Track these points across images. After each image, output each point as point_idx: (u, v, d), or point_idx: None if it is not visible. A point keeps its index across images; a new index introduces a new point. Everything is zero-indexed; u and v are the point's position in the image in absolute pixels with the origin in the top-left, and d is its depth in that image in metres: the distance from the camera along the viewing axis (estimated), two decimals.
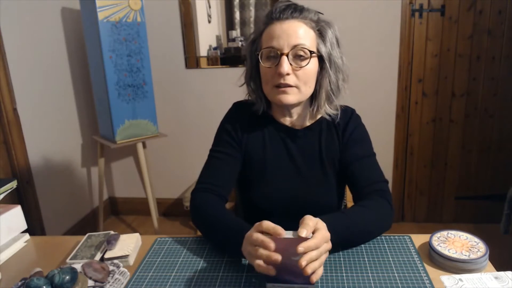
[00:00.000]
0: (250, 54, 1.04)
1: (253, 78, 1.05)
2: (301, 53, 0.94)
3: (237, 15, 2.42)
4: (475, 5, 2.20)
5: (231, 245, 0.87)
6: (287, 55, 0.93)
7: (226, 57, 2.48)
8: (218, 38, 2.48)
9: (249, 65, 1.05)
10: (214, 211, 0.96)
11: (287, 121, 1.08)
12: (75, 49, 2.49)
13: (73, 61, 2.47)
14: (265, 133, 1.08)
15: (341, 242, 0.86)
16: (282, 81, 0.95)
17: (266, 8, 2.35)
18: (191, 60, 2.53)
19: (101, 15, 2.06)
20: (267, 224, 0.76)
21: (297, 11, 0.95)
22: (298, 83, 0.96)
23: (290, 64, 0.94)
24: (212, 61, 2.52)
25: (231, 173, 1.07)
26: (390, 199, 0.98)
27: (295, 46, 0.93)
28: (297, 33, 0.94)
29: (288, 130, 1.08)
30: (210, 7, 2.44)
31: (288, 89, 0.96)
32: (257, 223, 0.79)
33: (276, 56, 0.95)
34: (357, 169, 1.03)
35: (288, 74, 0.94)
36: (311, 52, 0.95)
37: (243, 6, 2.40)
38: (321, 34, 0.97)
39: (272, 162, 1.07)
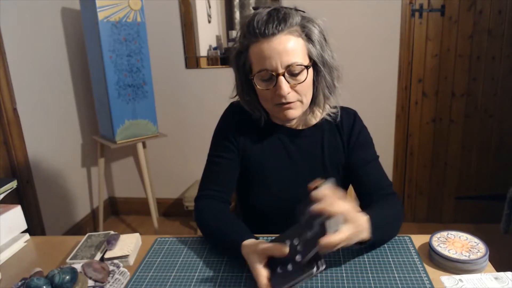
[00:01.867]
0: (237, 68, 0.98)
1: (246, 91, 1.01)
2: (296, 70, 0.91)
3: (237, 15, 2.42)
4: (475, 5, 2.20)
5: (232, 255, 0.89)
6: (283, 75, 0.90)
7: (226, 57, 2.48)
8: (218, 38, 2.48)
9: (238, 78, 1.00)
10: (218, 220, 0.96)
11: (286, 125, 1.07)
12: (75, 49, 2.49)
13: (73, 61, 2.47)
14: (263, 135, 1.07)
15: (374, 241, 0.84)
16: (284, 101, 0.92)
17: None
18: (191, 60, 2.53)
19: (101, 15, 2.06)
20: (266, 249, 0.78)
21: (282, 23, 0.88)
22: (299, 97, 0.94)
23: (288, 82, 0.91)
24: (212, 61, 2.52)
25: (232, 177, 1.07)
26: (400, 201, 0.99)
27: (289, 66, 0.89)
28: (287, 50, 0.89)
29: (287, 131, 1.06)
30: (210, 7, 2.44)
31: (291, 104, 0.94)
32: (256, 244, 0.80)
33: (271, 77, 0.91)
34: (365, 174, 1.02)
35: (288, 93, 0.91)
36: (306, 66, 0.91)
37: (243, 6, 2.40)
38: (309, 37, 0.92)
39: (271, 165, 1.06)
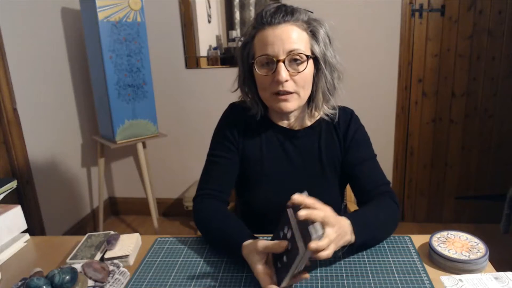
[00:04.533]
0: (242, 59, 1.01)
1: (247, 83, 1.03)
2: (297, 58, 0.92)
3: (237, 15, 2.42)
4: (475, 5, 2.20)
5: (232, 255, 0.89)
6: (283, 62, 0.91)
7: (226, 57, 2.48)
8: (218, 38, 2.48)
9: (241, 70, 1.03)
10: (217, 220, 0.96)
11: (284, 123, 1.07)
12: (75, 49, 2.49)
13: (73, 61, 2.47)
14: (262, 135, 1.07)
15: (363, 242, 0.86)
16: (281, 88, 0.93)
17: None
18: (191, 60, 2.53)
19: (101, 15, 2.06)
20: (266, 247, 0.78)
21: (288, 14, 0.92)
22: (296, 89, 0.95)
23: (287, 70, 0.92)
24: (212, 61, 2.52)
25: (231, 177, 1.07)
26: (397, 200, 0.99)
27: (290, 52, 0.91)
28: (290, 37, 0.91)
29: (285, 131, 1.07)
30: (210, 7, 2.44)
31: (288, 96, 0.95)
32: (255, 243, 0.80)
33: (271, 63, 0.93)
34: (362, 172, 1.02)
35: (286, 80, 0.92)
36: (307, 56, 0.93)
37: (243, 6, 2.40)
38: (313, 34, 0.95)
39: (269, 164, 1.06)
